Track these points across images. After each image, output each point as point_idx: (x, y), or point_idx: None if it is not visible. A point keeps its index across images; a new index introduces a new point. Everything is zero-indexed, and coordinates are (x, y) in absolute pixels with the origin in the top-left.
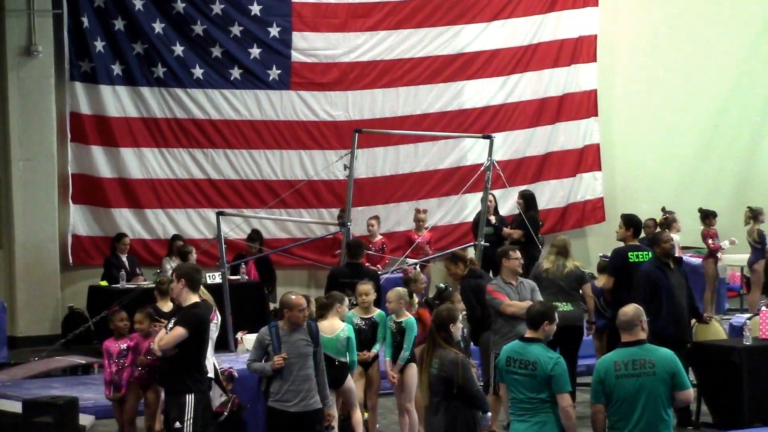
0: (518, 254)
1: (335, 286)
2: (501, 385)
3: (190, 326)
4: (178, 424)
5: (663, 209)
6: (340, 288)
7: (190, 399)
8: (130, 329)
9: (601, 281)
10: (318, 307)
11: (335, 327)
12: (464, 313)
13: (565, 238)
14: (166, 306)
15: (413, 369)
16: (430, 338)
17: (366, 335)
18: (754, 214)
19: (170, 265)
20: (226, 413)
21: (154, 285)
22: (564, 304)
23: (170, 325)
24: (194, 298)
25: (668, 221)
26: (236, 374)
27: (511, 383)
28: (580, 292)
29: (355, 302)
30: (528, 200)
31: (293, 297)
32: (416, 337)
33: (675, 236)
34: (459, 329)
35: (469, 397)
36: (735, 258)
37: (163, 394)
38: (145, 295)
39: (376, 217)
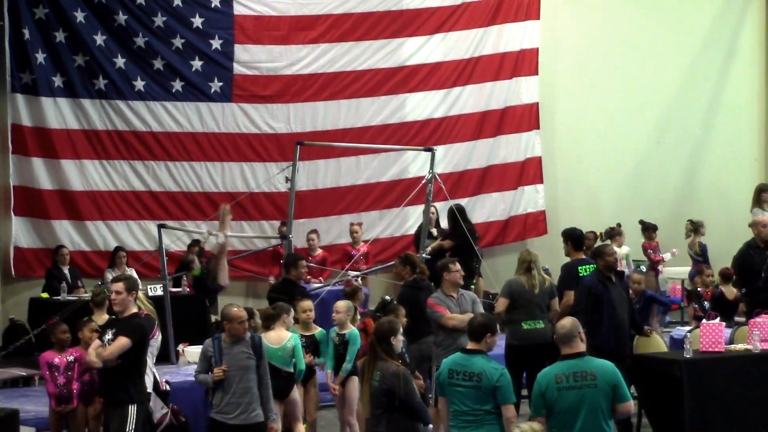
0: (458, 267)
1: (271, 301)
2: (440, 398)
3: (134, 336)
4: None
5: (618, 224)
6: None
7: (132, 410)
8: (73, 341)
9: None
10: (264, 318)
11: (282, 337)
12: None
13: (533, 252)
14: (101, 318)
15: (355, 382)
16: (371, 350)
17: (307, 352)
18: (694, 227)
19: (112, 276)
20: (166, 422)
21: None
22: (537, 321)
23: (109, 336)
24: (134, 309)
25: (612, 233)
26: (168, 387)
27: (453, 395)
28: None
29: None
30: (462, 212)
31: (233, 309)
32: (359, 349)
33: (625, 249)
34: (400, 342)
35: (411, 410)
36: (676, 270)
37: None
38: (86, 307)
39: (315, 231)
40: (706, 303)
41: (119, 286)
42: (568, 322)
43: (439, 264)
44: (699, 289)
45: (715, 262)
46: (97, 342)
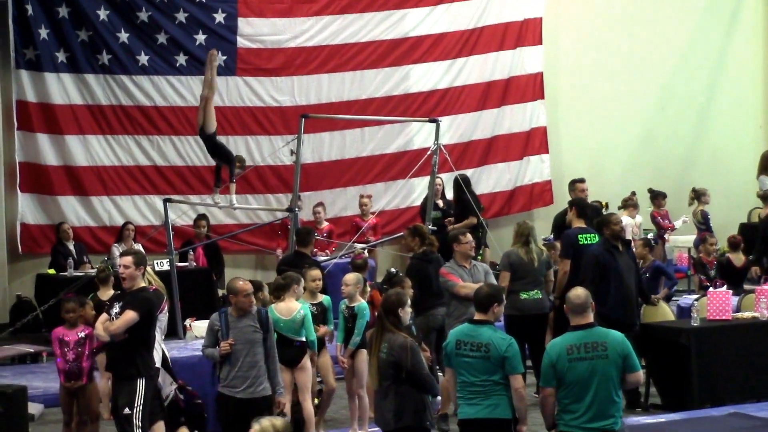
0: (469, 237)
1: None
2: (447, 369)
3: (141, 310)
4: (127, 410)
5: (633, 193)
6: None
7: (140, 384)
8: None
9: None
10: (274, 288)
11: (292, 308)
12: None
13: (529, 223)
14: (106, 294)
15: (364, 354)
16: (378, 322)
17: (317, 320)
18: (697, 195)
19: (119, 251)
20: (171, 395)
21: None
22: (535, 292)
23: (116, 310)
24: (142, 283)
25: (627, 204)
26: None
27: (461, 366)
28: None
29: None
30: (466, 182)
31: (239, 283)
32: (368, 322)
33: (638, 218)
34: (408, 314)
35: (419, 382)
36: (682, 239)
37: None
38: (92, 283)
39: (322, 204)
40: (712, 272)
41: (128, 260)
42: (582, 292)
43: (450, 235)
44: (702, 256)
45: (720, 229)
46: (104, 316)
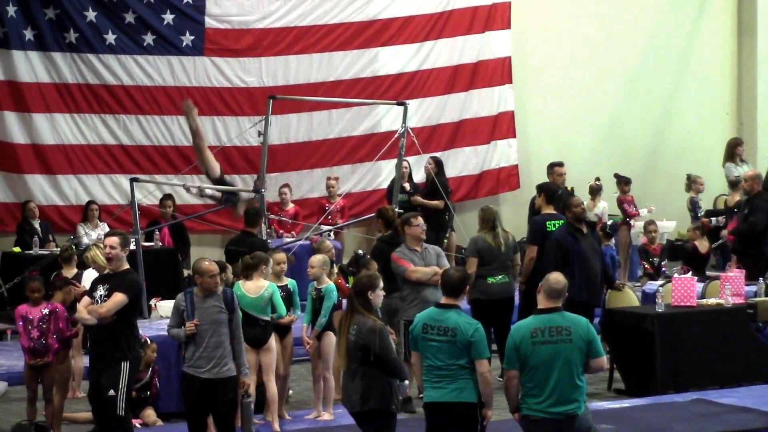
0: (420, 221)
1: (228, 254)
2: (413, 353)
3: (130, 292)
4: (112, 392)
5: (597, 179)
6: (234, 256)
7: (125, 366)
8: (45, 296)
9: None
10: (243, 267)
11: (260, 286)
12: None
13: (494, 208)
14: (70, 273)
15: (331, 337)
16: (349, 304)
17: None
18: (689, 182)
19: (84, 230)
20: (145, 379)
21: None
22: (502, 276)
23: (101, 292)
24: (126, 265)
25: (593, 189)
26: (149, 340)
27: (427, 350)
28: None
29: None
30: (439, 165)
31: (205, 263)
32: (335, 303)
33: (603, 204)
34: (379, 297)
35: (387, 365)
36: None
37: (81, 362)
38: (57, 261)
39: (288, 185)
40: (655, 259)
41: (114, 240)
42: (562, 278)
43: (401, 218)
44: (645, 243)
45: (684, 215)
46: (86, 299)
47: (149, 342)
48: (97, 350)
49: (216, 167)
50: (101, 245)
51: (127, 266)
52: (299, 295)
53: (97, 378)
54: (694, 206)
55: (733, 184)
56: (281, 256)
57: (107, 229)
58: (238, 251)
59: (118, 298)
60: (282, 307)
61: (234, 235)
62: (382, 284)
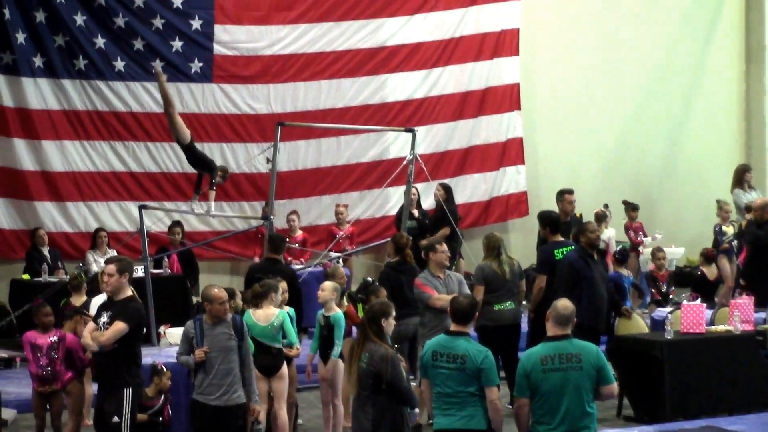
0: (445, 247)
1: (252, 281)
2: (423, 380)
3: (131, 321)
4: (116, 419)
5: (605, 205)
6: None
7: (128, 393)
8: (55, 324)
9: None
10: (253, 296)
11: (270, 315)
12: None
13: (497, 235)
14: (79, 301)
15: (340, 364)
16: (361, 331)
17: None
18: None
19: (93, 257)
20: (158, 406)
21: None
22: (509, 303)
23: (104, 319)
24: (129, 292)
25: (602, 217)
26: (164, 368)
27: (437, 377)
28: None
29: None
30: (448, 192)
31: (214, 290)
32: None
33: (611, 231)
34: (391, 324)
35: (398, 393)
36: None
37: (91, 389)
38: (66, 288)
39: (296, 212)
40: (663, 286)
41: (111, 268)
42: (570, 304)
43: (425, 244)
44: (653, 270)
45: (693, 242)
46: (91, 325)
47: (164, 369)
48: (101, 377)
49: (187, 133)
50: None
51: (129, 293)
52: (307, 320)
53: (101, 404)
54: (717, 233)
55: (747, 209)
56: (282, 285)
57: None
58: (264, 278)
59: (119, 327)
60: (293, 335)
61: (256, 262)
62: (394, 312)
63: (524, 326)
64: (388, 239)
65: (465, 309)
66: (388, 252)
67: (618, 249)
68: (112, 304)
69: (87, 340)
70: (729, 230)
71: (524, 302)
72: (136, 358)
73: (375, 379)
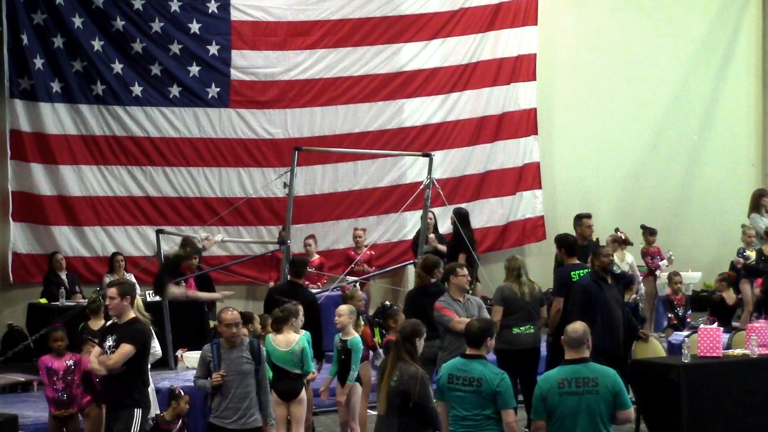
0: (465, 271)
1: (273, 303)
2: (440, 403)
3: (137, 342)
4: None
5: (616, 230)
6: (278, 306)
7: (137, 413)
8: (71, 347)
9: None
10: (273, 321)
11: (290, 340)
12: None
13: (519, 258)
14: (98, 325)
15: (357, 388)
16: (395, 350)
17: None
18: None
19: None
20: (175, 430)
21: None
22: (527, 326)
23: (110, 342)
24: (132, 314)
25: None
26: (182, 392)
27: (453, 400)
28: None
29: None
30: (463, 217)
31: (223, 313)
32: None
33: (629, 257)
34: (422, 344)
35: (424, 414)
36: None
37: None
38: (84, 313)
39: (313, 237)
40: (679, 310)
41: (112, 291)
42: (580, 327)
43: (446, 268)
44: (669, 294)
45: (710, 266)
46: (97, 349)
47: (182, 394)
48: (110, 398)
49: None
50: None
51: (131, 315)
52: (325, 344)
53: (110, 426)
54: (741, 256)
55: (767, 234)
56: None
57: (133, 279)
58: (285, 302)
59: (126, 349)
60: (309, 364)
61: (277, 285)
62: (424, 333)
63: (543, 350)
64: (407, 263)
65: (476, 332)
66: (418, 272)
67: (619, 273)
68: (116, 327)
69: (94, 365)
70: (752, 255)
71: (544, 328)
72: (145, 377)
73: (403, 397)
